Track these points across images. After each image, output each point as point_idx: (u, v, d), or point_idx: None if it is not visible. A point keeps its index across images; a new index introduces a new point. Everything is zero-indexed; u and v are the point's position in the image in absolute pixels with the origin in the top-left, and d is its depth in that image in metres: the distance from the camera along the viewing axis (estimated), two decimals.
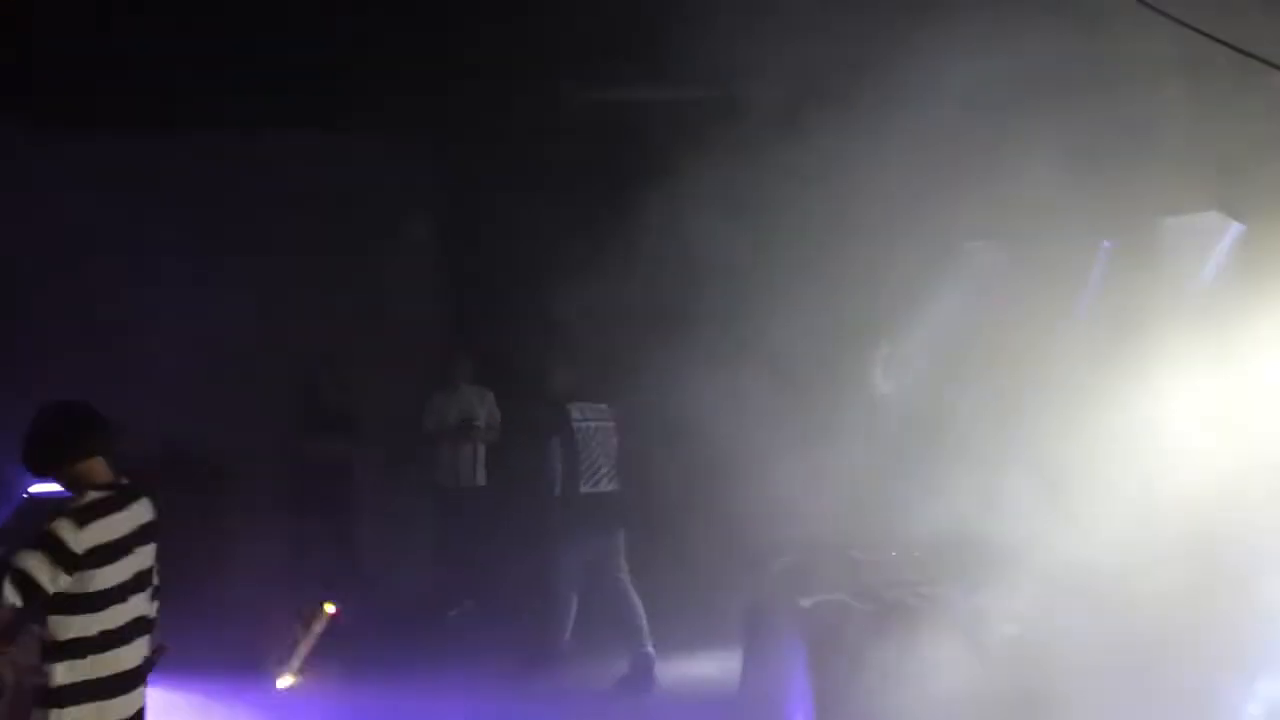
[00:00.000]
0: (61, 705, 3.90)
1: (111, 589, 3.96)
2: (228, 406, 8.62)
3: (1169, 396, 4.60)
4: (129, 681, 4.03)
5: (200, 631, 7.56)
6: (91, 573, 3.90)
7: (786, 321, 8.11)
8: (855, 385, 8.01)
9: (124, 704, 4.02)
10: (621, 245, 8.68)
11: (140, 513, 4.09)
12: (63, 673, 3.90)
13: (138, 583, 4.04)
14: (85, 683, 3.94)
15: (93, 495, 3.95)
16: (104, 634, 3.95)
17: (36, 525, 3.92)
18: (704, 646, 7.70)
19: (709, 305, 8.44)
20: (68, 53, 6.64)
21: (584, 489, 7.52)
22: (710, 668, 7.39)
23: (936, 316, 7.69)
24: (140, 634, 4.08)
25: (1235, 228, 5.41)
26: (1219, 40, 3.98)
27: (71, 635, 3.92)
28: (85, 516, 3.89)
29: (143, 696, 4.12)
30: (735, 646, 7.00)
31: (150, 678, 4.41)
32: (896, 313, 7.72)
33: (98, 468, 4.04)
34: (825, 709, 4.85)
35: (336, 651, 7.74)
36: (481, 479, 8.82)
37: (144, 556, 4.09)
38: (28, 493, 6.98)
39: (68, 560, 3.84)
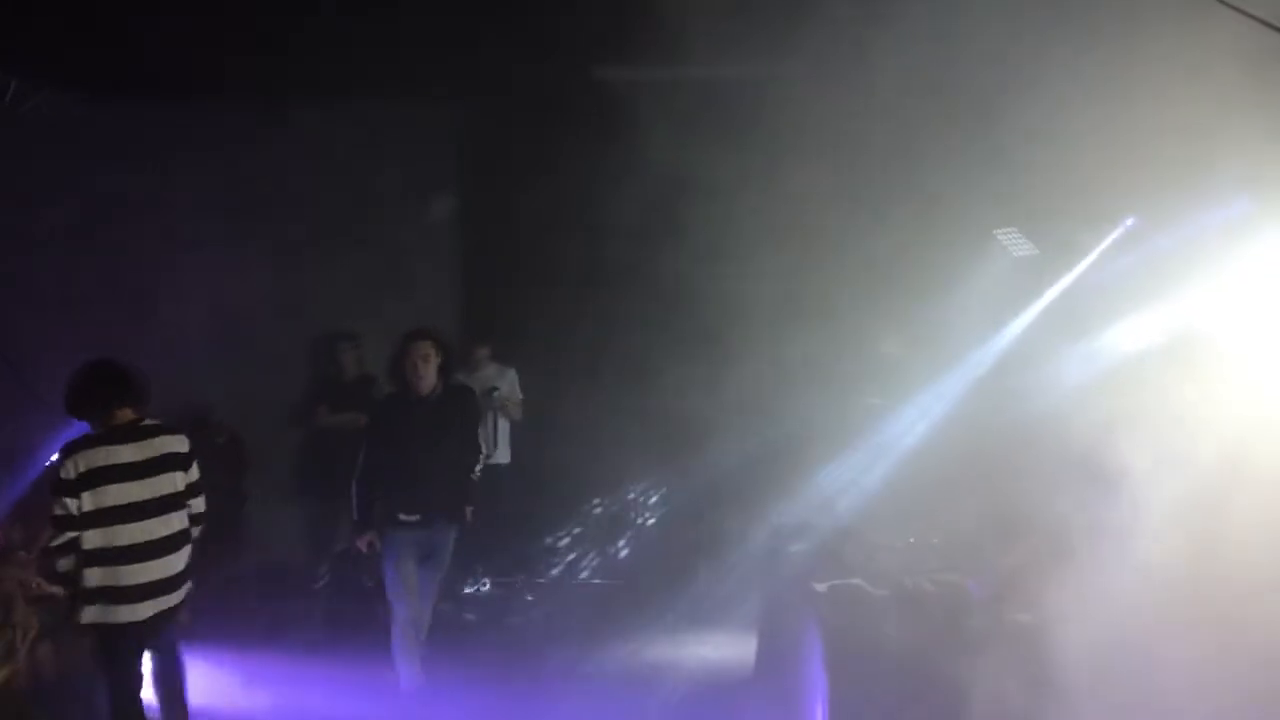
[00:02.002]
0: (88, 604, 4.71)
1: (117, 507, 4.72)
2: (249, 377, 8.66)
3: (1213, 381, 4.53)
4: (154, 590, 4.79)
5: (220, 601, 7.69)
6: (95, 492, 4.67)
7: (800, 307, 8.10)
8: (876, 375, 7.99)
9: (142, 609, 4.77)
10: (632, 225, 8.69)
11: (160, 445, 4.87)
12: (88, 578, 4.69)
13: (160, 505, 4.80)
14: (103, 589, 4.70)
15: (87, 434, 4.79)
16: (119, 548, 4.70)
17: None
18: (720, 631, 7.70)
19: (718, 290, 8.42)
20: (87, 22, 6.64)
21: None
22: (726, 652, 7.39)
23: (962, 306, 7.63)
24: (172, 548, 4.84)
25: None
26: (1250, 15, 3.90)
27: (91, 547, 4.68)
28: (72, 449, 4.74)
29: (172, 603, 4.91)
30: (751, 631, 7.01)
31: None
32: (921, 303, 7.65)
33: (124, 415, 4.84)
34: (841, 694, 4.83)
35: (363, 624, 7.82)
36: (505, 456, 8.80)
37: (166, 482, 4.85)
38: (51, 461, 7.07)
39: (68, 488, 4.67)
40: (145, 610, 4.82)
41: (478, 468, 6.48)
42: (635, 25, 6.25)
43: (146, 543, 4.82)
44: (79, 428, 5.02)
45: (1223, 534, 4.19)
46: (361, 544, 6.27)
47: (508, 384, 8.75)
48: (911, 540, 6.20)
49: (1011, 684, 4.48)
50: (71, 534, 4.73)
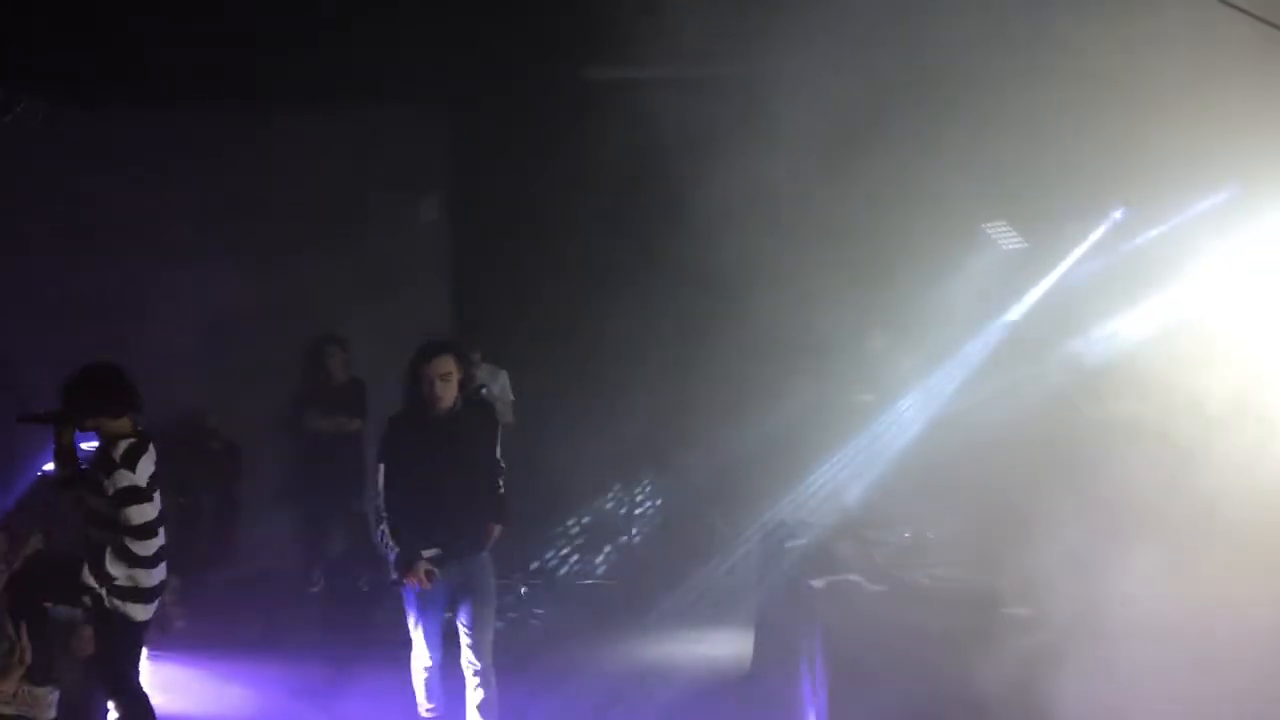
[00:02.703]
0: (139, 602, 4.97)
1: (158, 517, 4.98)
2: (238, 382, 8.63)
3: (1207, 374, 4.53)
4: (156, 594, 5.07)
5: (211, 604, 7.68)
6: (154, 497, 4.92)
7: (791, 304, 8.10)
8: (867, 371, 8.00)
9: (150, 609, 5.03)
10: (623, 226, 8.69)
11: (153, 455, 5.00)
12: (140, 579, 4.93)
13: (163, 514, 5.03)
14: (142, 590, 4.96)
15: (127, 442, 4.88)
16: (155, 553, 4.98)
17: (94, 480, 4.89)
18: (717, 628, 7.70)
19: (710, 289, 8.43)
20: (70, 31, 6.60)
21: None
22: (723, 649, 7.40)
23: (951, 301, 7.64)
24: (166, 556, 5.09)
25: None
26: (1243, 10, 3.91)
27: (147, 553, 4.91)
28: (133, 456, 4.86)
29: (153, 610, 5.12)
30: (748, 628, 7.01)
31: (163, 653, 5.30)
32: (911, 298, 7.66)
33: (128, 423, 4.97)
34: (839, 690, 4.83)
35: (355, 623, 7.81)
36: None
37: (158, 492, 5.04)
38: (42, 471, 7.04)
39: (143, 495, 4.86)
40: (152, 611, 5.07)
41: (501, 481, 5.84)
42: (622, 24, 6.23)
43: (162, 548, 5.08)
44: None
45: (1219, 527, 4.20)
46: (418, 580, 5.42)
47: (500, 386, 8.72)
48: (907, 535, 6.20)
49: (1010, 679, 4.48)
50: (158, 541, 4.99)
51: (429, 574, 5.41)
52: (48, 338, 7.55)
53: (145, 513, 4.89)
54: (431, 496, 5.48)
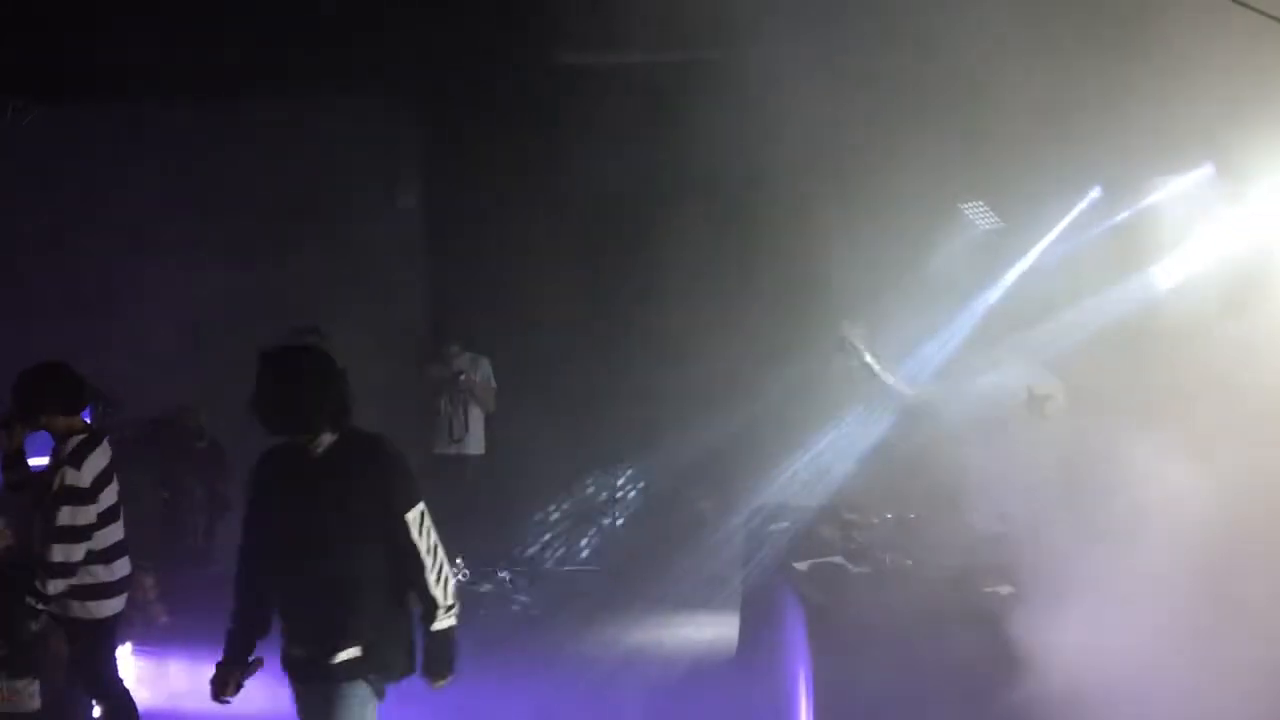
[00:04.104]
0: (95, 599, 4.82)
1: (110, 508, 4.85)
2: (218, 377, 8.57)
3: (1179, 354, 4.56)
4: (120, 588, 4.94)
5: (197, 601, 7.63)
6: (98, 498, 4.77)
7: (780, 289, 8.11)
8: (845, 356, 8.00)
9: (115, 604, 4.94)
10: (604, 212, 8.67)
11: (107, 450, 4.92)
12: (99, 573, 4.80)
13: (118, 508, 4.90)
14: (100, 585, 4.84)
15: (77, 439, 4.79)
16: (111, 546, 4.84)
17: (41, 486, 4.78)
18: (702, 611, 7.73)
19: (690, 274, 8.43)
20: (49, 26, 6.53)
21: None
22: (708, 632, 7.42)
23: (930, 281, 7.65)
24: (125, 551, 4.95)
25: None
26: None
27: (100, 547, 4.78)
28: (81, 454, 4.75)
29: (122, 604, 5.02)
30: (733, 611, 7.04)
31: (147, 649, 5.14)
32: (889, 278, 7.66)
33: (78, 423, 4.90)
34: (823, 672, 4.85)
35: None
36: (479, 446, 8.76)
37: (115, 487, 4.95)
38: None
39: (85, 496, 4.71)
40: (117, 606, 4.99)
41: (432, 576, 3.79)
42: (595, 8, 6.20)
43: (119, 542, 4.98)
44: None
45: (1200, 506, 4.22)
46: (219, 689, 3.97)
47: (482, 373, 8.71)
48: (890, 517, 6.23)
49: (992, 658, 4.50)
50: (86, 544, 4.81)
51: (228, 684, 3.96)
52: (29, 336, 7.48)
53: (78, 515, 4.74)
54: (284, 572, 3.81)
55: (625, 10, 6.07)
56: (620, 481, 9.45)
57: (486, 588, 8.69)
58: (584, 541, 9.43)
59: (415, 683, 4.02)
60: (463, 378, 8.59)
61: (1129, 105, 5.36)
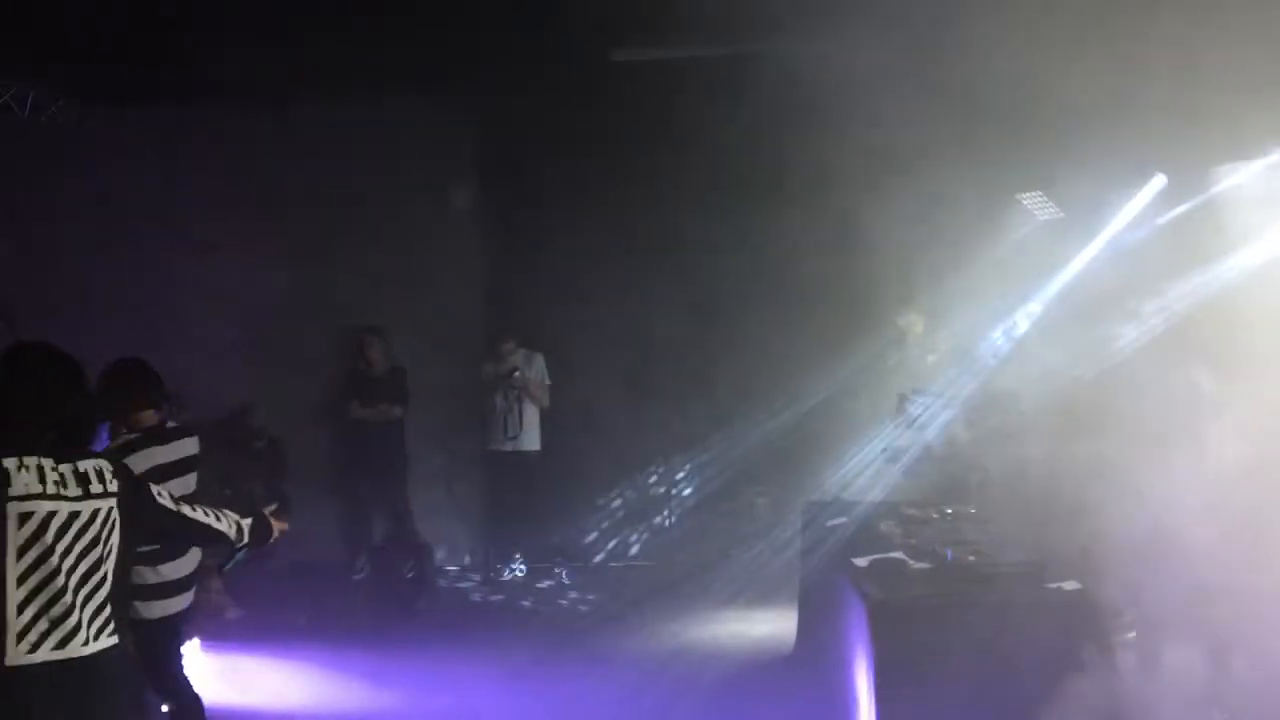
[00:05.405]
0: (143, 600, 4.75)
1: None
2: (278, 376, 8.69)
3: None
4: (176, 589, 4.89)
5: (260, 594, 7.76)
6: None
7: (838, 283, 8.04)
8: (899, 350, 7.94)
9: (171, 604, 4.88)
10: (658, 207, 8.66)
11: (181, 447, 4.90)
12: (145, 575, 4.73)
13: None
14: (148, 586, 4.78)
15: (127, 435, 4.78)
16: (152, 550, 4.71)
17: None
18: (759, 607, 7.71)
19: (748, 269, 8.38)
20: (97, 29, 6.63)
21: None
22: (765, 628, 7.40)
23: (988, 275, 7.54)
24: (177, 553, 4.84)
25: None
26: None
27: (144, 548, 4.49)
28: (126, 451, 4.62)
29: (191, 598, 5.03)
30: (789, 607, 7.01)
31: (214, 644, 5.00)
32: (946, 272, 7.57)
33: (149, 417, 4.88)
34: (885, 669, 4.81)
35: (397, 615, 7.88)
36: (535, 442, 8.80)
37: (187, 482, 4.90)
38: None
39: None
40: (171, 607, 4.95)
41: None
42: (650, 6, 6.18)
43: (166, 546, 4.88)
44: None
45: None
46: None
47: (536, 370, 8.74)
48: (950, 512, 6.17)
49: (1060, 655, 4.44)
50: None
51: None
52: (88, 336, 7.60)
53: None
54: None
55: (682, 8, 6.03)
56: (676, 477, 9.44)
57: (544, 584, 8.75)
58: (639, 537, 9.43)
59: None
60: (517, 374, 8.64)
61: (1194, 90, 5.24)
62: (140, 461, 4.66)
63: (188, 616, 5.13)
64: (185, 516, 3.70)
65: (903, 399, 7.26)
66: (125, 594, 4.61)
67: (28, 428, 3.28)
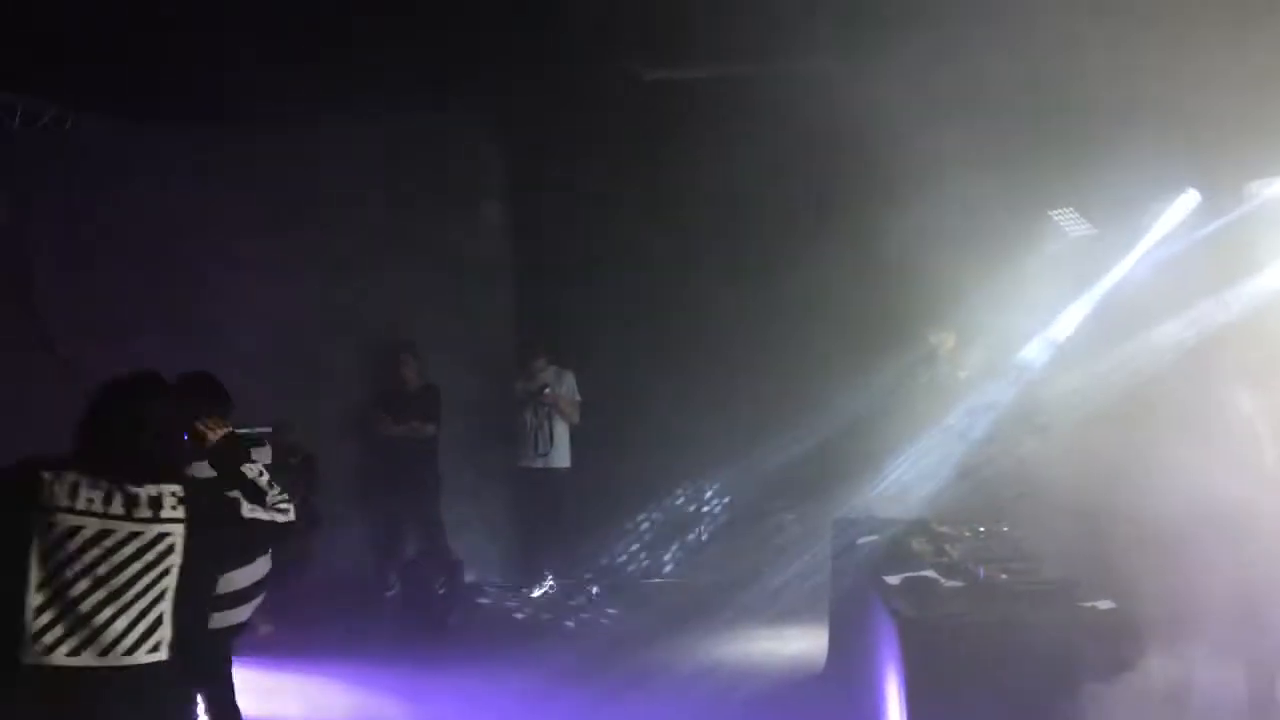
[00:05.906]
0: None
1: None
2: (311, 393, 8.75)
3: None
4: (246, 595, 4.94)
5: (292, 609, 7.81)
6: None
7: (869, 301, 8.03)
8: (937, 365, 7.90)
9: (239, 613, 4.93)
10: (689, 223, 8.69)
11: (262, 455, 4.74)
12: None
13: None
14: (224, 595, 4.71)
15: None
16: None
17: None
18: (790, 625, 7.68)
19: (777, 286, 8.38)
20: (122, 44, 6.71)
21: None
22: (795, 646, 7.37)
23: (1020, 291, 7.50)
24: None
25: None
26: None
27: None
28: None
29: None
30: (820, 624, 6.98)
31: (249, 659, 5.01)
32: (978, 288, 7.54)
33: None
34: (917, 687, 4.78)
35: (429, 631, 7.90)
36: (565, 460, 8.83)
37: None
38: None
39: None
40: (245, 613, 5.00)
41: None
42: (681, 25, 6.22)
43: None
44: None
45: None
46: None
47: (566, 386, 8.78)
48: (982, 530, 6.13)
49: (1093, 675, 4.40)
50: None
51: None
52: (121, 352, 7.69)
53: None
54: None
55: (712, 25, 6.07)
56: (706, 494, 9.43)
57: (575, 600, 8.76)
58: (670, 554, 9.43)
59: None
60: (547, 391, 8.68)
61: (1226, 103, 5.21)
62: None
63: (242, 630, 5.13)
64: (276, 524, 3.68)
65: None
66: (200, 610, 4.64)
67: (88, 449, 3.36)
